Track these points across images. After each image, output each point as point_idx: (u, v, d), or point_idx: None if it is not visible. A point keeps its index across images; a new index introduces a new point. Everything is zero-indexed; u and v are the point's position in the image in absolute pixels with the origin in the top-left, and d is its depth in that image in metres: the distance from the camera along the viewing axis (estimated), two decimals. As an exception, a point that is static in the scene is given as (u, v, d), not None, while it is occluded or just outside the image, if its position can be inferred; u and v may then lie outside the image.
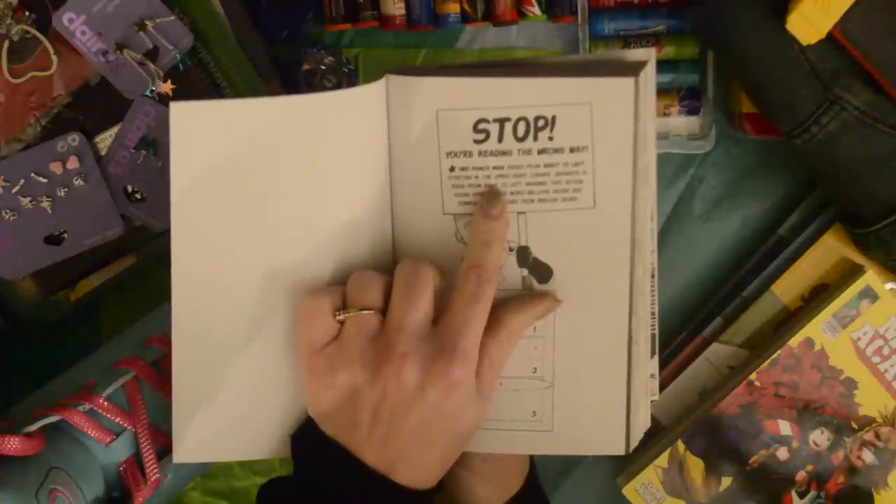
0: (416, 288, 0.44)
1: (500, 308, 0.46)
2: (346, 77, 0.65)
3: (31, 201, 0.61)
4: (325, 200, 0.47)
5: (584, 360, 0.47)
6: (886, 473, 0.64)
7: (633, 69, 0.44)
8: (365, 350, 0.44)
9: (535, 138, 0.45)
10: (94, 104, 0.61)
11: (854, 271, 0.63)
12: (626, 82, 0.44)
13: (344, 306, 0.45)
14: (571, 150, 0.45)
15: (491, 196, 0.46)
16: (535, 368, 0.48)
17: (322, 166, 0.47)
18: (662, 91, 0.65)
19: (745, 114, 0.63)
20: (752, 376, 0.63)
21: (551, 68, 0.46)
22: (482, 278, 0.45)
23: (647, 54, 0.45)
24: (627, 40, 0.65)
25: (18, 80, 0.61)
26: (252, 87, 0.62)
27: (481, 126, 0.46)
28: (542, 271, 0.47)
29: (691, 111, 0.65)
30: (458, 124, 0.46)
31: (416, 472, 0.44)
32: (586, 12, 0.65)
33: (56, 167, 0.61)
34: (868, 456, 0.64)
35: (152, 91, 0.61)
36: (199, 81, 0.62)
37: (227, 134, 0.46)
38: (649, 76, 0.45)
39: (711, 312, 0.67)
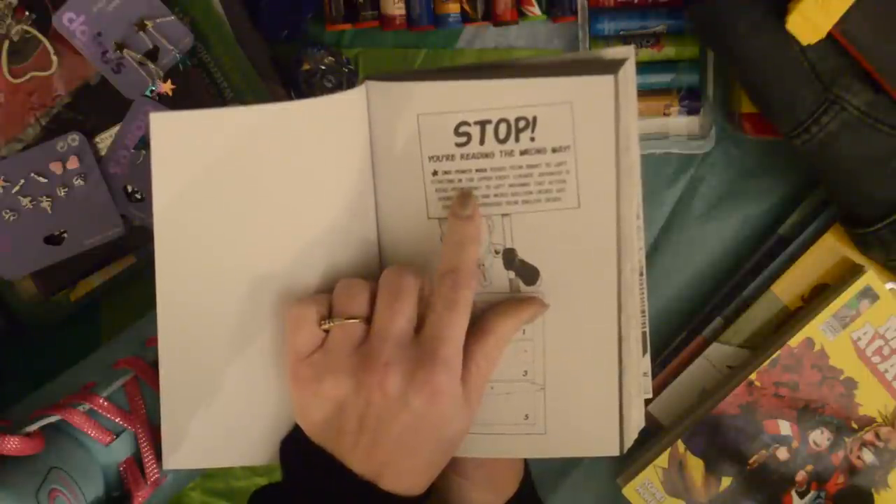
0: (400, 296, 0.44)
1: (487, 313, 0.46)
2: (346, 77, 0.65)
3: (31, 201, 0.61)
4: (310, 208, 0.47)
5: (575, 360, 0.47)
6: (886, 473, 0.64)
7: (613, 67, 0.44)
8: (350, 358, 0.44)
9: (517, 139, 0.45)
10: (94, 104, 0.61)
11: (854, 271, 0.63)
12: (606, 80, 0.43)
13: (330, 314, 0.45)
14: (553, 151, 0.45)
15: (461, 197, 0.46)
16: (526, 371, 0.48)
17: (305, 174, 0.47)
18: (662, 91, 0.65)
19: (745, 114, 0.63)
20: (752, 376, 0.63)
21: (531, 69, 0.46)
22: (457, 282, 0.44)
23: (627, 52, 0.45)
24: (627, 40, 0.65)
25: (18, 80, 0.61)
26: (252, 86, 0.62)
27: (462, 129, 0.46)
28: (529, 273, 0.47)
29: (691, 111, 0.65)
30: (440, 128, 0.46)
31: (403, 478, 0.44)
32: (586, 12, 0.65)
33: (56, 167, 0.61)
34: (868, 456, 0.64)
35: (152, 91, 0.61)
36: (199, 81, 0.62)
37: (209, 143, 0.46)
38: (629, 74, 0.44)
39: (711, 312, 0.67)
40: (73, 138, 0.61)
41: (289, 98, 0.64)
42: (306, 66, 0.64)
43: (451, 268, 0.45)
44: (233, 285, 0.47)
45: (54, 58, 0.61)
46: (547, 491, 0.69)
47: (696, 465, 0.64)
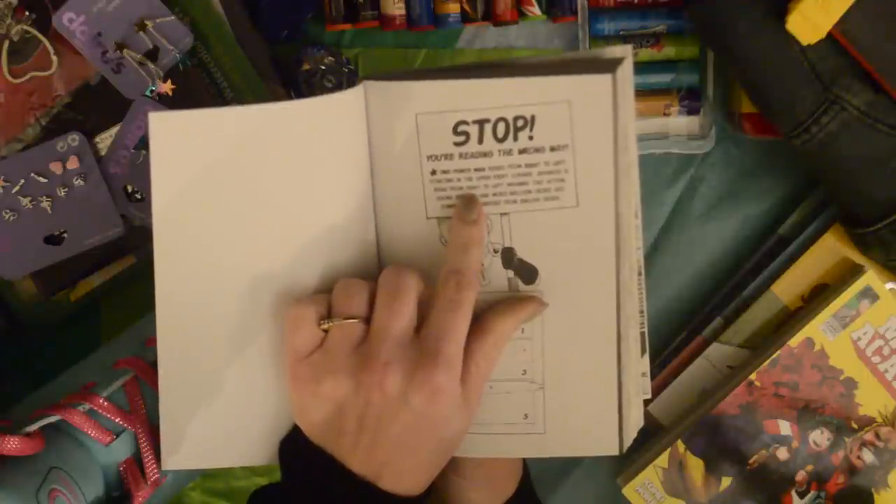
0: (399, 296, 0.44)
1: (486, 313, 0.46)
2: (346, 77, 0.65)
3: (31, 201, 0.61)
4: (309, 207, 0.47)
5: (574, 360, 0.47)
6: (886, 473, 0.64)
7: (611, 66, 0.44)
8: (349, 358, 0.44)
9: (515, 138, 0.45)
10: (94, 104, 0.61)
11: (854, 271, 0.63)
12: (604, 79, 0.43)
13: (329, 314, 0.45)
14: (552, 149, 0.45)
15: (467, 201, 0.46)
16: (525, 370, 0.47)
17: (304, 173, 0.47)
18: (662, 91, 0.65)
19: (745, 114, 0.63)
20: (752, 376, 0.63)
21: (529, 68, 0.46)
22: (461, 284, 0.44)
23: (624, 51, 0.45)
24: (627, 40, 0.65)
25: (18, 80, 0.61)
26: (252, 86, 0.62)
27: (461, 128, 0.46)
28: (528, 272, 0.47)
29: (691, 111, 0.65)
30: (438, 127, 0.46)
31: (403, 478, 0.44)
32: (586, 12, 0.65)
33: (56, 167, 0.61)
34: (868, 456, 0.64)
35: (152, 91, 0.61)
36: (199, 81, 0.62)
37: (208, 143, 0.46)
38: (627, 73, 0.44)
39: (711, 312, 0.67)
40: (73, 138, 0.61)
41: (289, 98, 0.64)
42: (306, 66, 0.64)
43: (456, 269, 0.45)
44: (232, 285, 0.47)
45: (54, 58, 0.61)
46: (547, 491, 0.69)
47: (696, 465, 0.64)
